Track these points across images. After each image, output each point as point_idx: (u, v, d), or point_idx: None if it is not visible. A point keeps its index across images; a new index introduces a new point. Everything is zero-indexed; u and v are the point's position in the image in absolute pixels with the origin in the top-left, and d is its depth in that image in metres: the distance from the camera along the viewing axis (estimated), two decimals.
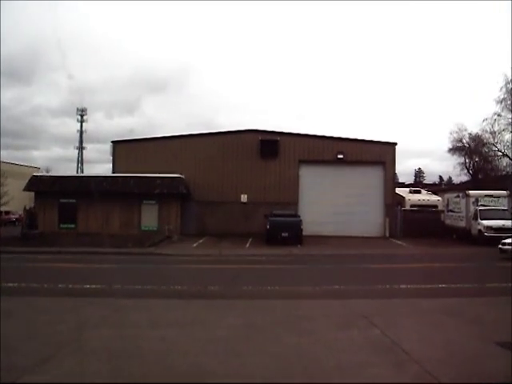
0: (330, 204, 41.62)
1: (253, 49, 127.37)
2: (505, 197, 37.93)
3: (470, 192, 38.51)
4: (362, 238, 39.47)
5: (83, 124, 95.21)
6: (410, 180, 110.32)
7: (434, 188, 66.30)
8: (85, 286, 16.94)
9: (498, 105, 51.80)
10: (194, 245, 34.77)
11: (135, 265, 24.14)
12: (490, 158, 57.79)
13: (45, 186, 41.14)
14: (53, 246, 31.88)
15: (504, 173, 55.97)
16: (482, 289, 16.19)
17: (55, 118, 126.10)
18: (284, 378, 7.48)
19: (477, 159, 61.34)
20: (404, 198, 45.51)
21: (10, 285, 16.40)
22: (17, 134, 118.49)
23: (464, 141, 60.53)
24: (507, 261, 23.41)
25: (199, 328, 10.44)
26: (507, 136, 53.36)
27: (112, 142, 44.78)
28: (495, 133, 54.05)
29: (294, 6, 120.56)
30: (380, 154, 42.54)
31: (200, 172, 42.57)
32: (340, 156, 42.36)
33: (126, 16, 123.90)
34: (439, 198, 45.94)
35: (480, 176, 60.59)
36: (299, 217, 36.93)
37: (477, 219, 35.44)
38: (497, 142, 54.83)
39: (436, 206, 44.60)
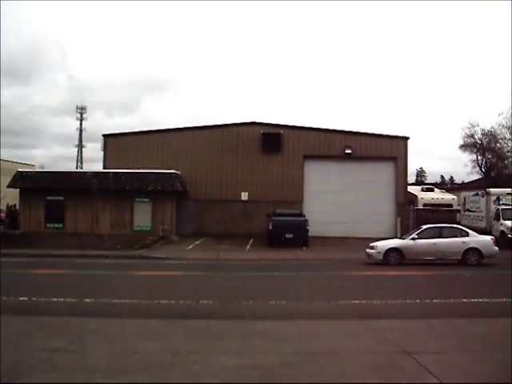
0: (337, 203, 38.66)
1: (256, 38, 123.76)
2: None
3: (491, 190, 35.56)
4: (372, 239, 36.22)
5: (83, 122, 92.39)
6: (412, 180, 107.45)
7: (441, 187, 63.26)
8: (51, 300, 14.12)
9: None
10: (190, 247, 31.87)
11: (120, 271, 21.12)
12: (503, 155, 54.91)
13: (30, 183, 38.17)
14: (34, 247, 29.06)
15: None
16: None
17: (55, 117, 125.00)
18: None
19: (489, 156, 58.33)
20: (416, 196, 42.51)
21: None
22: (17, 133, 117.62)
23: (476, 137, 57.60)
24: None
25: (177, 376, 7.40)
26: None
27: (103, 135, 41.80)
28: (510, 128, 51.20)
29: None
30: (391, 149, 39.57)
31: (197, 168, 39.66)
32: (348, 151, 39.36)
33: (125, 15, 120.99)
34: (454, 197, 42.96)
35: (493, 174, 57.61)
36: (304, 216, 33.98)
37: (499, 219, 32.54)
38: None
39: (451, 205, 41.62)
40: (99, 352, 8.56)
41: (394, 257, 23.53)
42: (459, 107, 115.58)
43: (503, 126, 52.35)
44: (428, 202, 41.71)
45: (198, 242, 34.06)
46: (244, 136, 39.87)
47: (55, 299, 14.13)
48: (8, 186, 39.51)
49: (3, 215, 52.32)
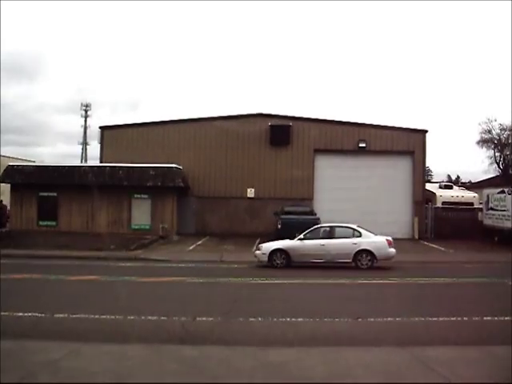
0: (350, 200, 35.93)
1: (266, 24, 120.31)
2: None
3: None
4: None
5: (87, 120, 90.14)
6: None
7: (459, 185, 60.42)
8: (15, 315, 11.47)
9: None
10: (191, 247, 29.23)
11: (107, 276, 18.46)
12: None
13: (21, 178, 35.65)
14: (21, 247, 26.49)
15: None
16: None
17: (60, 115, 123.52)
18: None
19: (508, 153, 55.56)
20: (434, 194, 39.70)
21: None
22: (22, 131, 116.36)
23: (494, 132, 54.84)
24: None
25: None
26: None
27: (100, 127, 39.32)
28: None
29: None
30: (408, 143, 36.88)
31: (200, 162, 37.10)
32: (362, 145, 36.69)
33: (127, 10, 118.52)
34: (475, 195, 40.11)
35: (511, 171, 54.88)
36: (316, 215, 31.34)
37: None
38: None
39: (472, 204, 38.80)
40: None
41: (280, 259, 21.79)
42: (474, 102, 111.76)
43: None
44: (447, 201, 38.90)
45: (200, 242, 31.47)
46: (250, 128, 37.17)
47: (19, 314, 11.57)
48: None
49: None
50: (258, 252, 22.47)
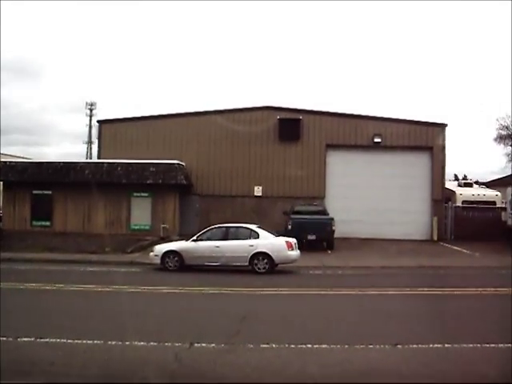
0: (364, 199, 33.73)
1: (276, 13, 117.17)
2: None
3: None
4: (405, 241, 31.57)
5: (92, 118, 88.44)
6: None
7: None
8: None
9: None
10: None
11: (94, 286, 16.06)
12: None
13: (14, 175, 33.54)
14: (7, 250, 24.30)
15: None
16: None
17: (65, 114, 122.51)
18: None
19: None
20: (454, 192, 37.23)
21: None
22: (28, 131, 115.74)
23: None
24: None
25: None
26: None
27: (98, 121, 37.23)
28: None
29: None
30: (426, 138, 34.44)
31: (204, 158, 34.82)
32: (377, 140, 34.28)
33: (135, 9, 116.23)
34: (497, 193, 37.55)
35: None
36: (328, 214, 29.06)
37: None
38: None
39: (494, 203, 36.29)
40: None
41: (173, 261, 20.25)
42: (489, 98, 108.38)
43: None
44: (468, 199, 36.43)
45: None
46: (258, 122, 34.77)
47: None
48: None
49: None
50: (151, 254, 20.96)
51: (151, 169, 32.31)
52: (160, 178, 32.19)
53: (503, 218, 34.32)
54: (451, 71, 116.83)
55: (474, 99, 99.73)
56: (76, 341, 9.29)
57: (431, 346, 9.08)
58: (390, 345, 9.11)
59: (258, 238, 20.30)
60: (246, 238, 20.34)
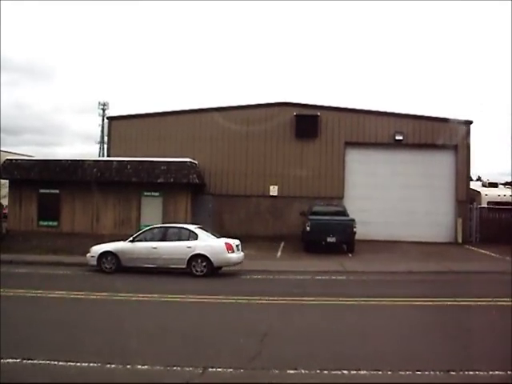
0: (385, 199, 32.25)
1: (289, 9, 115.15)
2: None
3: None
4: (427, 243, 29.99)
5: (104, 118, 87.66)
6: None
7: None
8: None
9: None
10: None
11: (94, 293, 14.64)
12: None
13: (20, 173, 32.29)
14: (9, 252, 23.29)
15: None
16: None
17: (78, 114, 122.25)
18: None
19: None
20: (479, 193, 35.59)
21: None
22: (40, 131, 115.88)
23: None
24: None
25: None
26: None
27: (107, 117, 35.99)
28: None
29: None
30: (450, 136, 32.67)
31: (217, 156, 33.39)
32: (398, 137, 32.66)
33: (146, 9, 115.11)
34: None
35: None
36: (349, 215, 27.55)
37: None
38: None
39: None
40: None
41: (109, 263, 19.45)
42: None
43: None
44: (493, 200, 34.76)
45: None
46: (274, 119, 33.27)
47: None
48: None
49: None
50: (87, 255, 20.01)
51: (162, 167, 30.94)
52: (171, 176, 30.80)
53: None
54: (473, 68, 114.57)
55: (498, 96, 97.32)
56: (69, 363, 7.89)
57: (491, 373, 7.58)
58: (443, 371, 7.62)
59: (196, 239, 19.32)
60: (185, 239, 19.43)
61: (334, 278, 18.81)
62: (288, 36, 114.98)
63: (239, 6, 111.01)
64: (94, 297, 14.24)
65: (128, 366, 7.78)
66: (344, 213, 27.71)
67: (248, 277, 18.98)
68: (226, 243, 19.17)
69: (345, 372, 7.59)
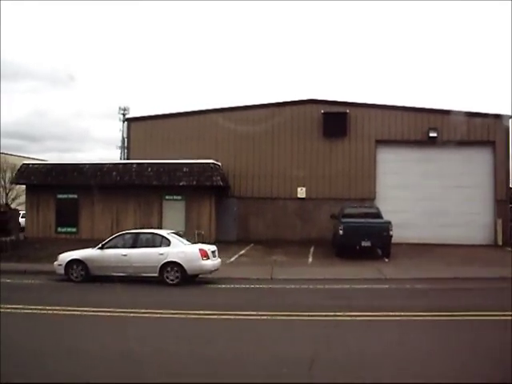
0: (419, 200, 30.56)
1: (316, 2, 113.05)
2: None
3: None
4: (466, 246, 28.27)
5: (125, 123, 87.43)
6: None
7: None
8: None
9: None
10: (233, 258, 24.05)
11: (50, 306, 13.18)
12: None
13: (38, 178, 31.16)
14: (23, 261, 22.03)
15: None
16: None
17: (99, 120, 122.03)
18: None
19: None
20: None
21: None
22: (61, 137, 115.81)
23: None
24: None
25: None
26: None
27: (126, 119, 34.78)
28: None
29: None
30: (488, 131, 30.93)
31: (242, 157, 31.96)
32: (433, 134, 30.84)
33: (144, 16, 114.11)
34: None
35: None
36: (383, 217, 25.87)
37: None
38: None
39: None
40: None
41: (77, 271, 18.30)
42: None
43: None
44: None
45: (243, 252, 26.32)
46: (300, 117, 31.81)
47: None
48: (12, 182, 32.73)
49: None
50: (55, 263, 18.81)
51: (184, 169, 29.60)
52: (194, 179, 29.44)
53: None
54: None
55: None
56: None
57: None
58: None
59: (169, 245, 18.06)
60: (157, 246, 18.22)
61: (375, 286, 17.13)
62: (314, 30, 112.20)
63: (264, 3, 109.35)
64: (49, 312, 12.67)
65: None
66: (378, 215, 26.02)
67: (280, 286, 17.37)
68: (200, 249, 17.91)
69: None
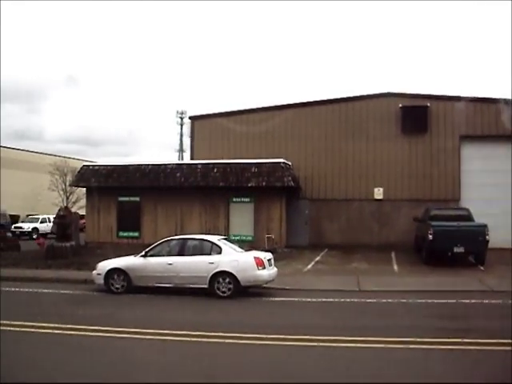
0: (507, 201, 27.90)
1: None
2: None
3: None
4: None
5: (183, 127, 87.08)
6: None
7: None
8: None
9: None
10: (309, 266, 21.95)
11: (81, 326, 11.28)
12: None
13: (98, 180, 29.86)
14: (82, 267, 20.41)
15: None
16: None
17: (156, 124, 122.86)
18: None
19: None
20: None
21: None
22: (120, 141, 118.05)
23: None
24: None
25: None
26: None
27: (190, 117, 33.37)
28: None
29: None
30: None
31: (313, 157, 30.24)
32: None
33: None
34: None
35: None
36: (474, 219, 23.35)
37: None
38: None
39: None
40: None
41: (118, 282, 16.45)
42: None
43: None
44: None
45: (318, 258, 24.22)
46: (377, 112, 29.80)
47: None
48: (71, 185, 31.51)
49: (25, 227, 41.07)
50: (94, 272, 17.14)
51: (253, 169, 27.78)
52: (263, 179, 27.59)
53: None
54: None
55: None
56: None
57: None
58: None
59: (220, 253, 16.18)
60: (206, 254, 16.35)
61: (486, 301, 14.65)
62: (389, 21, 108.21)
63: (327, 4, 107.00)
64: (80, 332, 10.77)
65: None
66: (469, 217, 23.46)
67: (372, 300, 15.12)
68: (255, 257, 15.89)
69: None
